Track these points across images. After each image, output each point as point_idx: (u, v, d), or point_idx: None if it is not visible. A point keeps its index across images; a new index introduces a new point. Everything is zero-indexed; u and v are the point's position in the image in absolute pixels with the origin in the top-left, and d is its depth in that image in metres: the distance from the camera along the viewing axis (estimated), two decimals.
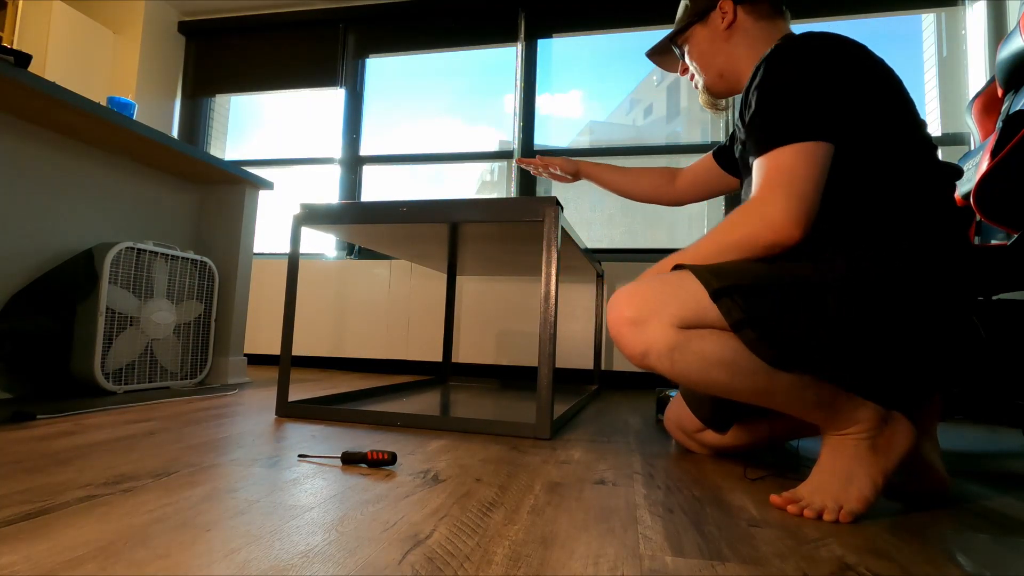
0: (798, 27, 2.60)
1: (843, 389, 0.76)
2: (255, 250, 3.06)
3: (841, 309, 0.73)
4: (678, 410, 1.12)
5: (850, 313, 0.73)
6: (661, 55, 1.17)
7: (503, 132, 2.92)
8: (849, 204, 0.80)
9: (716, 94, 1.08)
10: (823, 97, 0.78)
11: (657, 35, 2.74)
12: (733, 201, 2.55)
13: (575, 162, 1.41)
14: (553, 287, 1.22)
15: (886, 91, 0.81)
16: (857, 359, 0.74)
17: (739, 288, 0.73)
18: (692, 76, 1.11)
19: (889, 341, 0.74)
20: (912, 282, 0.74)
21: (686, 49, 1.09)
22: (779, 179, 0.77)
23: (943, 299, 0.75)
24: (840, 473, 0.75)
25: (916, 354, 0.76)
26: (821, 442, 0.80)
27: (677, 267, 0.80)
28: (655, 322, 0.75)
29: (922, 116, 0.84)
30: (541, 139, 2.83)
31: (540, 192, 2.80)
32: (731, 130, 1.01)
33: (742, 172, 1.02)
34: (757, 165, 0.81)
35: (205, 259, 1.94)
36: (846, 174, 0.80)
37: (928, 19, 2.50)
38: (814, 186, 0.76)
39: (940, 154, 2.70)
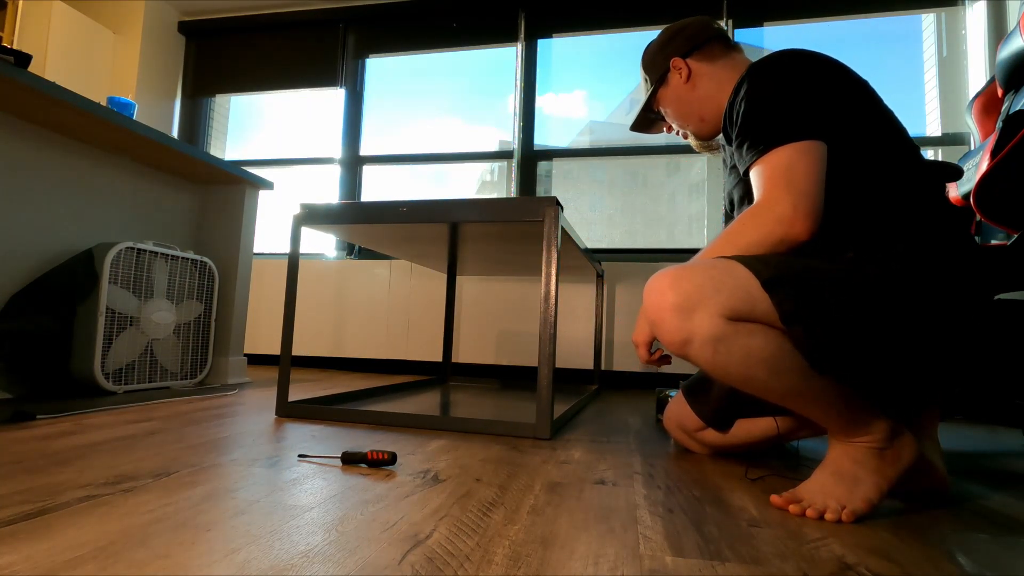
0: (799, 27, 2.58)
1: (869, 400, 0.75)
2: (255, 250, 3.07)
3: (890, 307, 0.72)
4: (679, 409, 1.12)
5: (898, 311, 0.72)
6: (645, 126, 1.22)
7: (506, 132, 2.92)
8: (863, 206, 0.80)
9: (705, 136, 1.12)
10: (808, 100, 0.80)
11: (656, 35, 2.74)
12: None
13: None
14: (553, 287, 1.22)
15: (864, 99, 0.83)
16: (898, 360, 0.73)
17: (790, 279, 0.71)
18: (679, 132, 1.16)
19: (932, 341, 0.74)
20: (951, 283, 0.74)
21: (663, 112, 1.15)
22: (781, 178, 0.77)
23: (981, 301, 0.75)
24: (846, 476, 0.75)
25: (952, 354, 0.75)
26: (822, 443, 0.80)
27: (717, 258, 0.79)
28: (702, 311, 0.71)
29: (902, 121, 0.86)
30: (541, 139, 2.83)
31: (540, 192, 2.80)
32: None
33: (733, 204, 1.04)
34: (755, 173, 0.81)
35: (205, 259, 1.94)
36: (858, 175, 0.81)
37: (928, 19, 2.50)
38: (816, 181, 0.76)
39: (940, 154, 2.68)
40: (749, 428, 1.04)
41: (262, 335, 2.94)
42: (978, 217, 1.54)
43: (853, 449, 0.76)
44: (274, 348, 2.93)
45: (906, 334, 0.73)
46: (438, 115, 3.06)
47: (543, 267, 1.23)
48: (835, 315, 0.71)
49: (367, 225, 1.40)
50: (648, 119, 1.20)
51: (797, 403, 0.76)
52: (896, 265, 0.75)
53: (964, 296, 0.75)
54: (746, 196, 0.97)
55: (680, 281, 0.73)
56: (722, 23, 1.08)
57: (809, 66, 0.83)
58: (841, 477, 0.75)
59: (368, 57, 3.11)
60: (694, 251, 2.59)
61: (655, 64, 1.11)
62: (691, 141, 1.15)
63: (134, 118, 1.66)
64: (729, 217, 1.08)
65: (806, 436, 1.03)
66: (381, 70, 3.14)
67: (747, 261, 0.74)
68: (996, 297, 1.30)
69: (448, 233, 1.48)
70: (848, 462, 0.76)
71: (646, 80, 1.15)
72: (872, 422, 0.75)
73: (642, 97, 1.17)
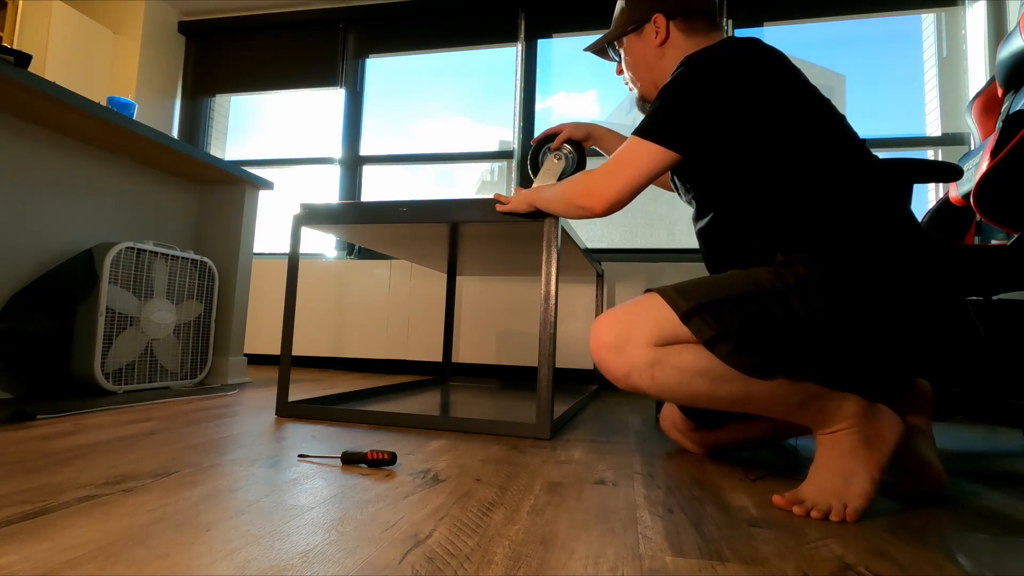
0: (799, 27, 2.57)
1: (823, 386, 0.77)
2: (255, 250, 3.07)
3: (803, 310, 0.75)
4: (672, 410, 1.12)
5: (812, 313, 0.75)
6: (600, 52, 1.16)
7: (509, 132, 2.92)
8: (798, 207, 0.82)
9: (649, 101, 1.09)
10: (701, 109, 0.83)
11: None
12: None
13: (586, 127, 1.32)
14: (553, 287, 1.22)
15: (804, 99, 0.83)
16: (827, 356, 0.77)
17: (706, 306, 0.77)
18: (627, 81, 1.11)
19: (852, 335, 0.76)
20: (869, 277, 0.76)
21: (622, 55, 1.09)
22: (623, 164, 0.89)
23: (902, 292, 0.76)
24: (838, 471, 0.76)
25: (881, 346, 0.77)
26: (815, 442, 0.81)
27: (647, 290, 0.84)
28: (632, 344, 0.78)
29: (850, 122, 0.87)
30: None
31: None
32: None
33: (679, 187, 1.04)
34: (627, 141, 0.90)
35: (205, 259, 1.94)
36: (787, 178, 0.82)
37: (928, 19, 2.50)
38: (642, 182, 0.89)
39: (940, 154, 2.67)
40: (743, 426, 1.05)
41: (262, 335, 2.94)
42: (978, 217, 1.55)
43: (837, 439, 0.77)
44: (274, 348, 2.93)
45: (832, 327, 0.76)
46: (440, 115, 3.06)
47: (543, 267, 1.23)
48: (752, 324, 0.75)
49: (367, 225, 1.40)
50: (605, 50, 1.14)
51: (753, 407, 0.78)
52: (854, 261, 0.76)
53: (901, 288, 0.76)
54: (682, 175, 1.00)
55: (611, 322, 0.81)
56: (721, 23, 1.06)
57: (734, 67, 0.83)
58: (834, 473, 0.76)
59: (368, 57, 3.11)
60: (694, 251, 2.59)
61: (640, 5, 1.03)
62: (635, 96, 1.11)
63: (134, 118, 1.66)
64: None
65: (802, 433, 1.03)
66: (381, 70, 3.14)
67: (666, 295, 0.80)
68: (996, 297, 1.30)
69: (448, 233, 1.48)
70: (837, 456, 0.77)
71: (623, 12, 1.06)
72: (841, 408, 0.77)
73: (610, 25, 1.09)
